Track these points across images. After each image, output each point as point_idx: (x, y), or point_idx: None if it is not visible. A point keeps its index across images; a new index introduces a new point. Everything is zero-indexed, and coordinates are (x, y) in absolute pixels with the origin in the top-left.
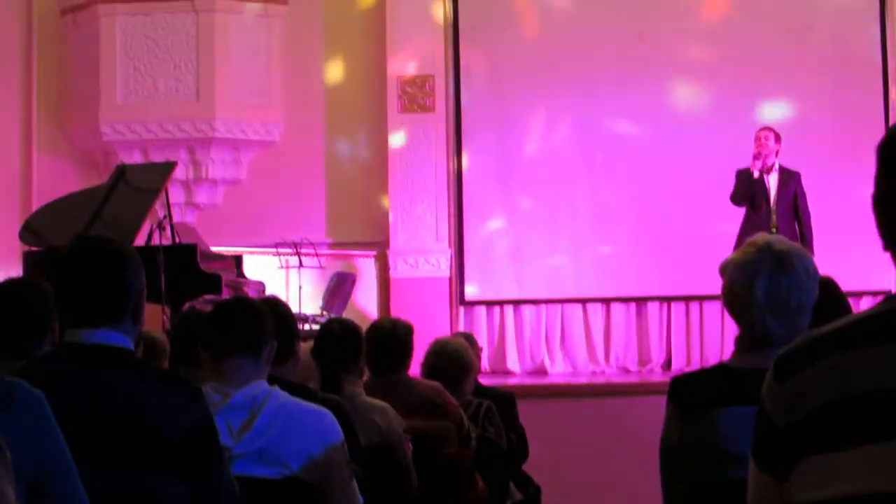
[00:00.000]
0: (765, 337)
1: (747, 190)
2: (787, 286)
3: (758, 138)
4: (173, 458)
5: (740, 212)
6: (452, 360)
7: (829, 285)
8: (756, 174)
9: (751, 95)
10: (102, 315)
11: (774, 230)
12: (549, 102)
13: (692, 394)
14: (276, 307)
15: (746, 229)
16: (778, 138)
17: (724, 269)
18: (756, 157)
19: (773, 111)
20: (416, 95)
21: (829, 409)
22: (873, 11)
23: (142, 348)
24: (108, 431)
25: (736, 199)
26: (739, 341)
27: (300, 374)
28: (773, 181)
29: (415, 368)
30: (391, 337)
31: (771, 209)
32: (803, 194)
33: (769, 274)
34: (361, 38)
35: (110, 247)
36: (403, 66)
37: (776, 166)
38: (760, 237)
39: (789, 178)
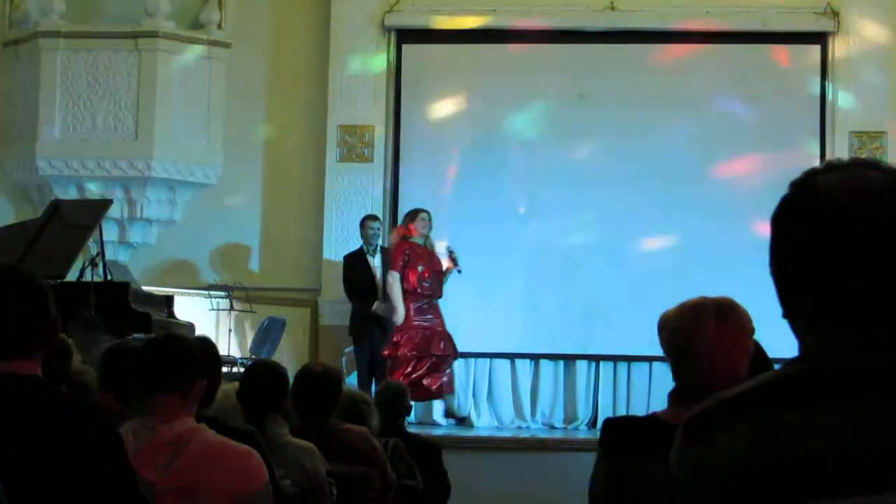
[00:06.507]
0: (708, 375)
1: None
2: (732, 327)
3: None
4: (85, 485)
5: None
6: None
7: (756, 346)
8: None
9: (692, 163)
10: (16, 347)
11: None
12: (489, 158)
13: (621, 440)
14: (207, 348)
15: None
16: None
17: (666, 320)
18: None
19: (714, 181)
20: (354, 145)
21: (736, 472)
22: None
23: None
24: (16, 462)
25: None
26: (674, 394)
27: (225, 416)
28: None
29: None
30: (321, 382)
31: None
32: None
33: (716, 315)
34: (303, 84)
35: (29, 277)
36: (344, 115)
37: None
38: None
39: None
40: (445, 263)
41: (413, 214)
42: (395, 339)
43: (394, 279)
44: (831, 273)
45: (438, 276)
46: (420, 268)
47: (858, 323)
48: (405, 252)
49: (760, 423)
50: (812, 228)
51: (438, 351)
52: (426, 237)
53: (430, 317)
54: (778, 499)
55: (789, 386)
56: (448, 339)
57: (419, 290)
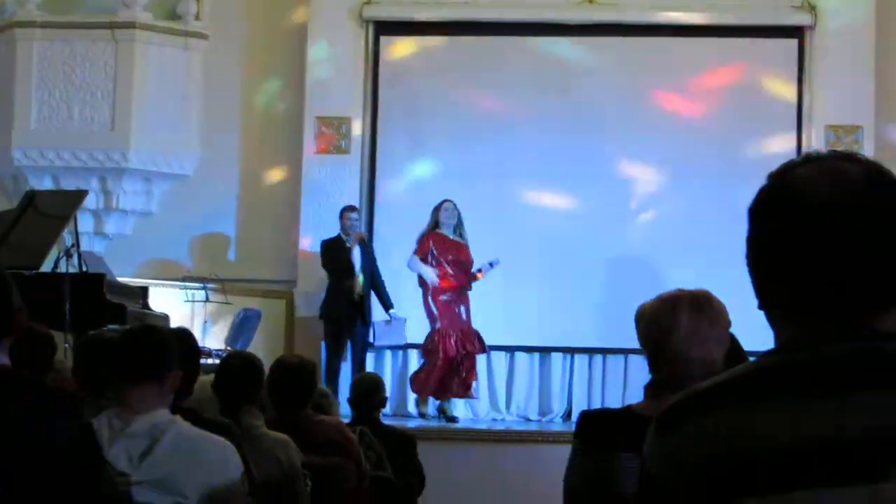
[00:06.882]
0: (683, 367)
1: None
2: (707, 320)
3: None
4: (56, 471)
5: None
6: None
7: (731, 339)
8: None
9: (669, 157)
10: None
11: None
12: (466, 152)
13: (596, 432)
14: (186, 340)
15: None
16: None
17: (643, 312)
18: None
19: (691, 174)
20: (332, 137)
21: (705, 465)
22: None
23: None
24: None
25: None
26: (650, 386)
27: (200, 407)
28: None
29: None
30: (296, 374)
31: None
32: None
33: (691, 308)
34: (281, 76)
35: None
36: (321, 106)
37: None
38: None
39: None
40: (477, 266)
41: (438, 206)
42: (432, 339)
43: (414, 260)
44: (809, 265)
45: (466, 266)
46: (447, 256)
47: (837, 315)
48: (430, 242)
49: (732, 415)
50: (789, 221)
51: (467, 350)
52: (455, 227)
53: (461, 309)
54: (748, 491)
55: (764, 378)
56: (473, 337)
57: (444, 281)
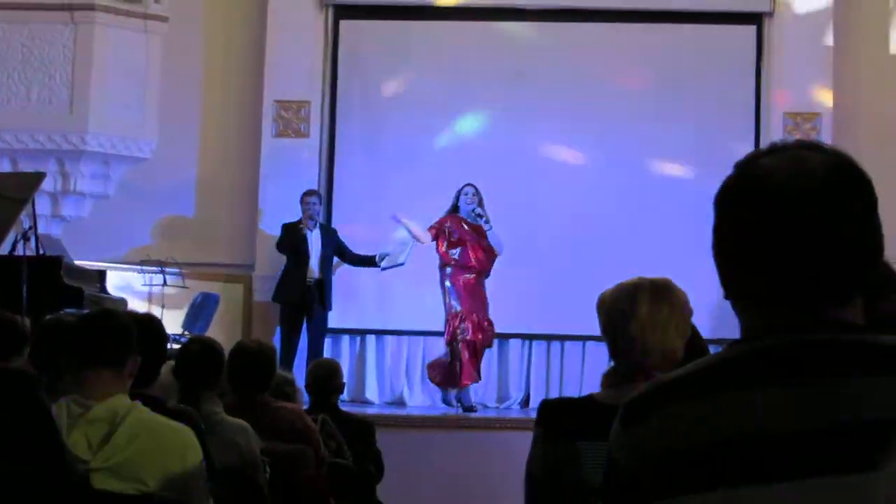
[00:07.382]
0: (643, 354)
1: None
2: (667, 308)
3: None
4: (19, 450)
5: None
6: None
7: (692, 328)
8: None
9: (625, 142)
10: None
11: None
12: (424, 135)
13: (558, 420)
14: (153, 326)
15: None
16: None
17: (603, 300)
18: None
19: (647, 159)
20: (291, 120)
21: (671, 456)
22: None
23: None
24: None
25: None
26: (609, 375)
27: (163, 393)
28: None
29: None
30: (255, 359)
31: None
32: None
33: (650, 295)
34: (240, 59)
35: None
36: (280, 90)
37: None
38: None
39: None
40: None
41: (459, 190)
42: (458, 324)
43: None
44: (772, 255)
45: (476, 252)
46: (455, 237)
47: (803, 305)
48: (446, 223)
49: (692, 408)
50: (755, 210)
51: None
52: (472, 212)
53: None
54: (710, 484)
55: (728, 370)
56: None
57: (454, 262)
